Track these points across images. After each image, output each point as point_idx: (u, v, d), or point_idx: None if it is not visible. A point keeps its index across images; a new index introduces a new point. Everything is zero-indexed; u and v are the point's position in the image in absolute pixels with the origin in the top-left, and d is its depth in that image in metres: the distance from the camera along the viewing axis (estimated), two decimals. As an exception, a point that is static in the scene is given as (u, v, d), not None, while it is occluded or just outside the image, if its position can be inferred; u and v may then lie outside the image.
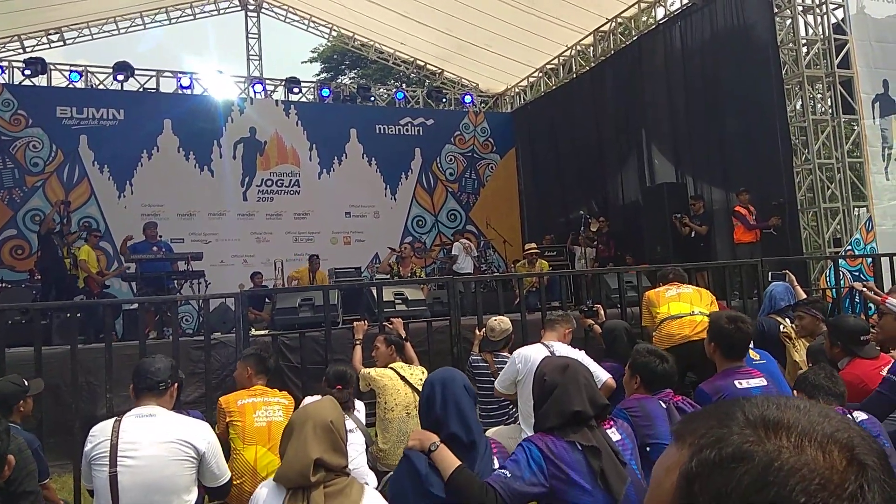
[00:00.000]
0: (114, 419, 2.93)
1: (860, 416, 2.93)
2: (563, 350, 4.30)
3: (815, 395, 2.93)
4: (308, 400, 3.42)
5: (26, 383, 3.91)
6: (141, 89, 13.84)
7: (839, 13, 9.74)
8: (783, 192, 9.39)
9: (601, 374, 4.19)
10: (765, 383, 3.34)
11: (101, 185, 12.85)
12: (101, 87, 13.60)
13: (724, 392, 3.37)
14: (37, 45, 13.75)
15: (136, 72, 13.62)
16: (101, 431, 2.88)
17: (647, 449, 3.03)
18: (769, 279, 6.28)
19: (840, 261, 7.83)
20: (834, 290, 7.41)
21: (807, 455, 0.60)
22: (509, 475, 2.28)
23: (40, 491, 2.93)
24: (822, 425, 0.63)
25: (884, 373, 3.44)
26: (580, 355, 4.35)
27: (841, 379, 3.10)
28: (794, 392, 3.06)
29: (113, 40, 14.65)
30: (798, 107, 9.81)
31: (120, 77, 13.33)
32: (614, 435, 2.54)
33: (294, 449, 2.19)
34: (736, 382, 3.38)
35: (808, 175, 9.51)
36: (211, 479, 2.99)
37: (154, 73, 14.01)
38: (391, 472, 3.90)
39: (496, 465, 2.44)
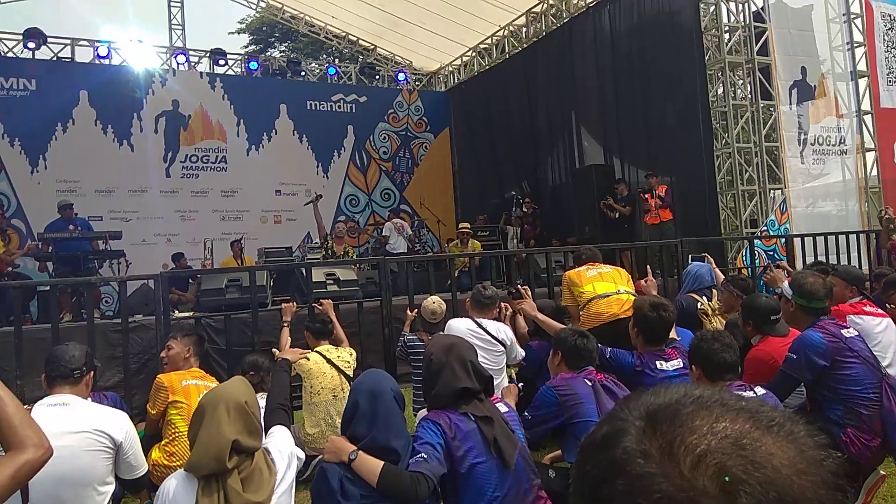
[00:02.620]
0: (23, 408, 2.79)
1: (760, 391, 3.08)
2: (493, 327, 4.42)
3: (717, 375, 2.95)
4: None
5: None
6: (54, 58, 13.04)
7: (759, 1, 10.10)
8: (703, 174, 9.75)
9: (520, 354, 4.58)
10: (681, 364, 3.51)
11: (11, 159, 12.07)
12: (10, 55, 12.74)
13: (644, 369, 3.54)
14: (-65, 7, 12.77)
15: (49, 40, 12.81)
16: (8, 422, 2.73)
17: (573, 427, 3.12)
18: (689, 260, 6.52)
19: (756, 241, 8.21)
20: (750, 269, 7.76)
21: (671, 468, 0.54)
22: (426, 456, 2.36)
23: None
24: (714, 438, 0.55)
25: None
26: (507, 331, 4.49)
27: (733, 342, 3.10)
28: (693, 367, 3.10)
29: (22, 6, 13.71)
30: (720, 92, 10.17)
31: (31, 45, 12.49)
32: (502, 407, 2.70)
33: (207, 433, 2.09)
34: (658, 363, 3.54)
35: (727, 158, 9.90)
36: (127, 471, 2.87)
37: (69, 41, 13.21)
38: (320, 456, 3.89)
39: None
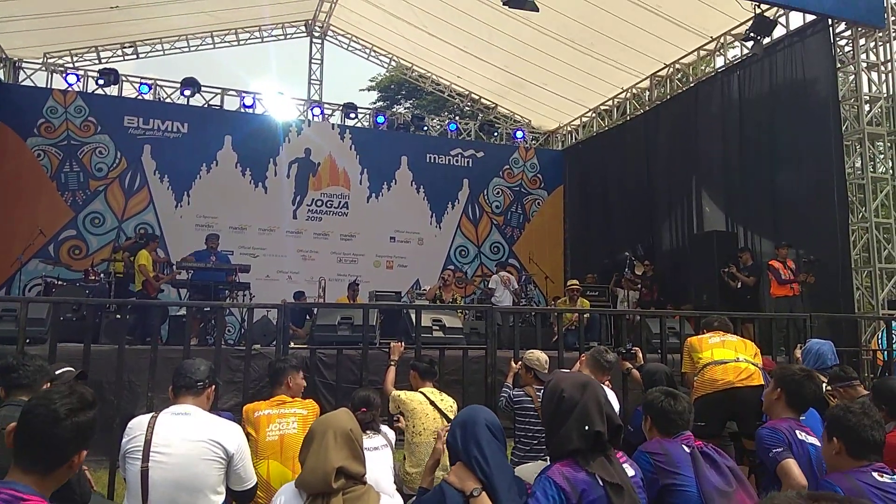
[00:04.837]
0: (150, 415, 2.99)
1: None
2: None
3: (861, 454, 2.69)
4: None
5: (57, 372, 3.98)
6: (206, 105, 14.35)
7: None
8: (837, 249, 9.17)
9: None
10: (818, 444, 3.18)
11: (159, 193, 13.32)
12: (168, 100, 14.16)
13: (786, 437, 3.20)
14: (111, 56, 14.42)
15: (203, 88, 14.15)
16: (137, 426, 2.94)
17: (669, 494, 2.93)
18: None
19: (893, 323, 7.56)
20: (886, 352, 7.16)
21: None
22: None
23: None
24: None
25: None
26: (614, 401, 4.31)
27: (882, 420, 2.83)
28: (833, 440, 2.77)
29: (183, 57, 15.33)
30: (857, 164, 9.61)
31: (187, 92, 13.82)
32: (629, 470, 2.43)
33: (315, 457, 2.24)
34: (798, 433, 3.24)
35: (864, 234, 9.27)
36: (237, 482, 3.00)
37: (219, 90, 14.53)
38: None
39: None
